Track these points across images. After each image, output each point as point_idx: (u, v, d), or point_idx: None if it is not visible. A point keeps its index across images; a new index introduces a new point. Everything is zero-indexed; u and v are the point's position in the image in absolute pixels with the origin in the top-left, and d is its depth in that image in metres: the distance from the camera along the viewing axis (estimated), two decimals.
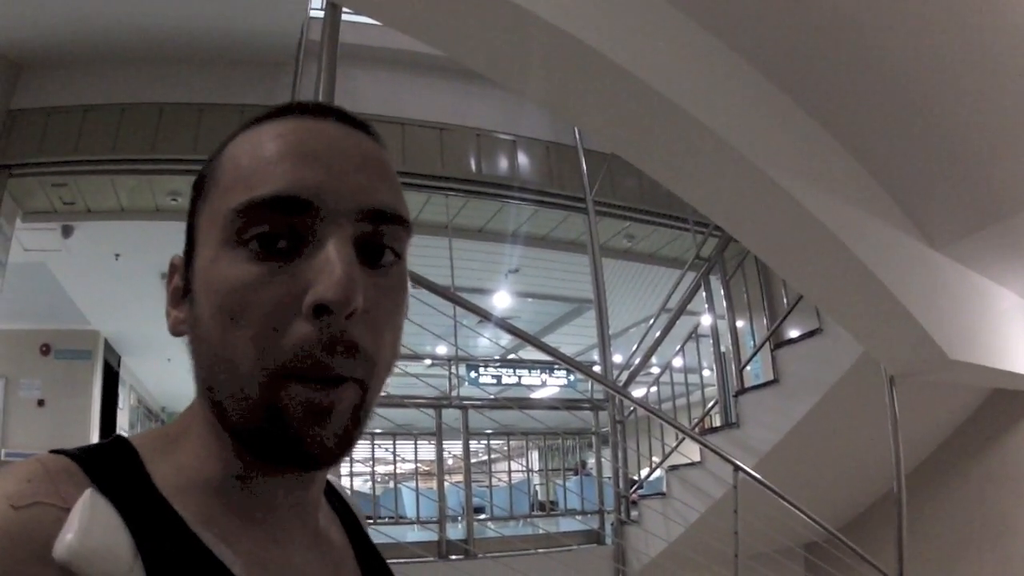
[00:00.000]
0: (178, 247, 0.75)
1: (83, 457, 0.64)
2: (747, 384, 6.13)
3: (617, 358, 9.07)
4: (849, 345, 4.70)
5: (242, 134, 0.73)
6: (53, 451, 0.64)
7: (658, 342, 6.88)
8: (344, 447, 0.66)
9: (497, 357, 11.87)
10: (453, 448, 6.19)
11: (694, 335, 6.79)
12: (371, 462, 6.73)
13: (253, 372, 0.63)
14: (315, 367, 0.63)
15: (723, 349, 6.85)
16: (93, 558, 0.56)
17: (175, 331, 0.73)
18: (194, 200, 0.74)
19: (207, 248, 0.68)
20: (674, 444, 6.57)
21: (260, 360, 0.63)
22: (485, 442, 7.79)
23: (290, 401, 0.63)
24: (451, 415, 6.05)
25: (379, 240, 0.68)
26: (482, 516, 7.71)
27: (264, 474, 0.70)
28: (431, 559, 5.45)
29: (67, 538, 0.56)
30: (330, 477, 0.92)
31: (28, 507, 0.57)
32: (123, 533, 0.59)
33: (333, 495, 0.90)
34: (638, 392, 7.50)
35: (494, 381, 11.20)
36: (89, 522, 0.57)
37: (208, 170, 0.73)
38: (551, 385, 11.84)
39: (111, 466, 0.65)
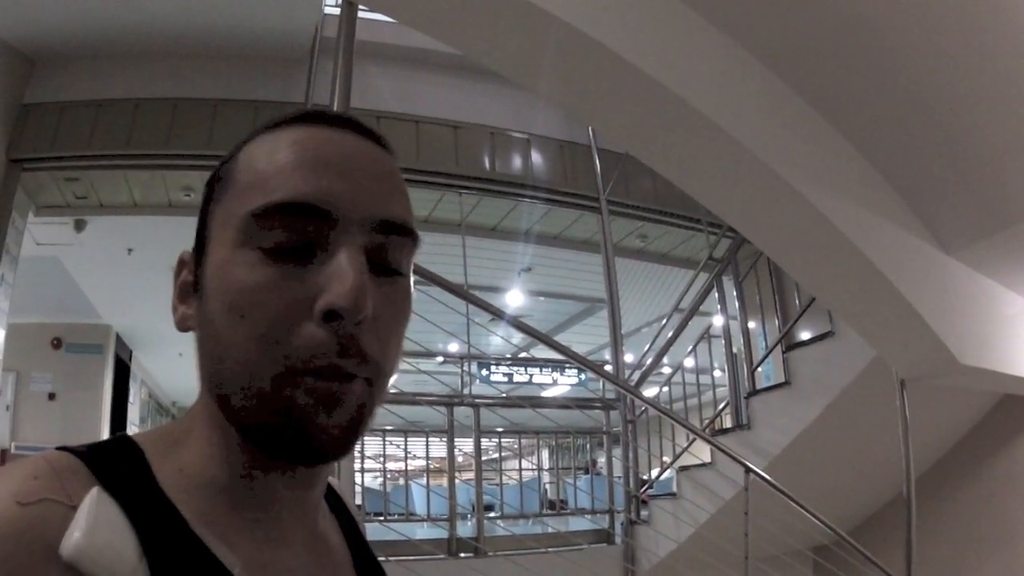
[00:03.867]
0: (191, 242, 0.76)
1: (88, 455, 0.64)
2: (758, 386, 6.13)
3: (629, 358, 9.05)
4: (860, 348, 4.69)
5: (258, 138, 0.74)
6: (59, 448, 0.65)
7: (670, 342, 6.88)
8: (350, 440, 0.67)
9: (509, 355, 11.87)
10: (464, 446, 6.20)
11: (706, 336, 6.78)
12: (383, 458, 6.76)
13: (263, 369, 0.64)
14: (328, 367, 0.64)
15: (735, 350, 6.83)
16: (100, 557, 0.57)
17: (182, 326, 0.74)
18: (207, 199, 0.75)
19: (220, 247, 0.70)
20: (685, 445, 6.56)
21: (269, 358, 0.64)
22: (496, 440, 7.78)
23: (300, 394, 0.64)
24: (463, 412, 6.05)
25: (388, 251, 0.70)
26: (492, 514, 7.72)
27: (268, 472, 0.70)
28: (441, 556, 5.45)
29: (75, 536, 0.56)
30: (332, 480, 0.92)
31: (35, 504, 0.57)
32: (129, 533, 0.59)
33: (332, 498, 0.90)
34: (649, 392, 7.49)
35: (506, 379, 11.18)
36: (96, 521, 0.58)
37: (223, 172, 0.75)
38: (562, 384, 11.80)
39: (116, 465, 0.65)
